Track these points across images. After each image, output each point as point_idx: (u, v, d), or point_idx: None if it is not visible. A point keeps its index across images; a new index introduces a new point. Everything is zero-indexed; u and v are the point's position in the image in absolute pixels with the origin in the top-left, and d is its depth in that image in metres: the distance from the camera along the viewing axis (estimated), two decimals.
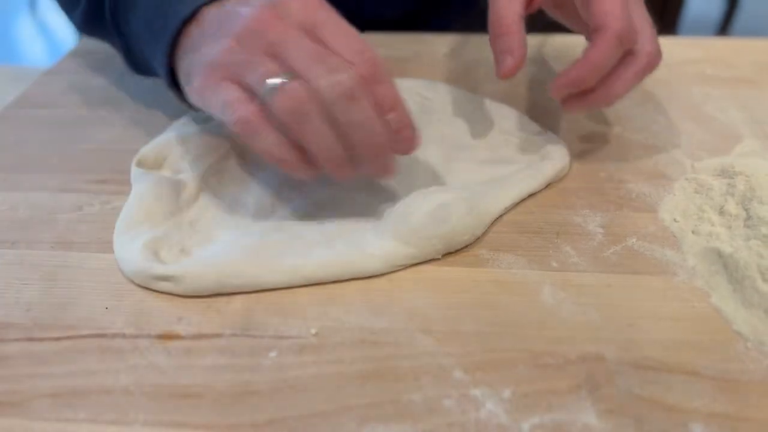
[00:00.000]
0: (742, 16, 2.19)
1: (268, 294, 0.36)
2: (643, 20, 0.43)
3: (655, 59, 0.42)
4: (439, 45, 0.64)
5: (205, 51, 0.37)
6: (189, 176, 0.43)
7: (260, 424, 0.29)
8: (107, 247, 0.39)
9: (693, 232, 0.38)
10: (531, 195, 0.43)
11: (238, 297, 0.35)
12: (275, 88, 0.34)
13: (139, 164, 0.44)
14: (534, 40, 0.63)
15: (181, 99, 0.43)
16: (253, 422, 0.29)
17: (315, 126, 0.35)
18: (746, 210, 0.38)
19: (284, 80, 0.34)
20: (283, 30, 0.35)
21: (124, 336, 0.33)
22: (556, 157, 0.44)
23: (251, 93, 0.35)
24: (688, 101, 0.53)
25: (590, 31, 0.41)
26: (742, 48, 0.62)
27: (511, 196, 0.41)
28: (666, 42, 0.63)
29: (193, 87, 0.38)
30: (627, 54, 0.42)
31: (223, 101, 0.36)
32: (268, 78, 0.34)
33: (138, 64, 0.47)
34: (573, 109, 0.44)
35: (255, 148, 0.36)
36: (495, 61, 0.43)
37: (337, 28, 0.36)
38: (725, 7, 2.16)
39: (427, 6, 0.72)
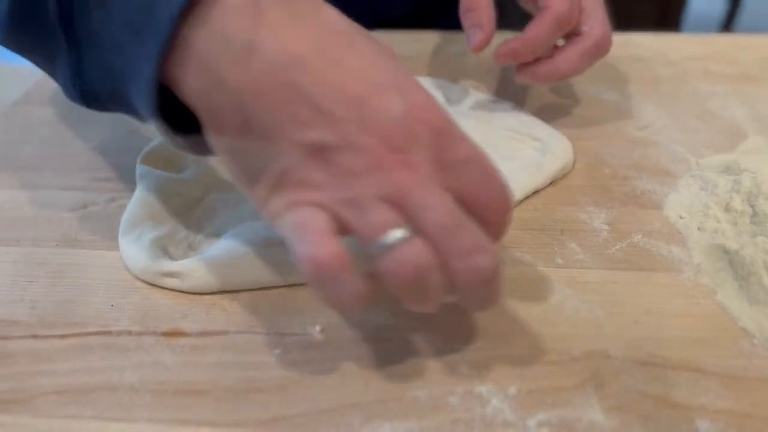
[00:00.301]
0: (745, 15, 2.19)
1: (273, 292, 0.36)
2: (594, 3, 0.46)
3: (603, 41, 0.45)
4: (441, 43, 0.64)
5: (286, 142, 0.27)
6: (195, 174, 0.42)
7: (265, 421, 0.29)
8: (112, 244, 0.39)
9: (698, 228, 0.38)
10: (535, 192, 0.42)
11: (244, 294, 0.35)
12: (391, 246, 0.27)
13: (144, 162, 0.44)
14: None
15: (172, 133, 0.31)
16: (258, 419, 0.29)
17: (427, 295, 0.28)
18: (752, 206, 0.38)
19: (404, 236, 0.27)
20: (413, 176, 0.27)
21: (129, 333, 0.33)
22: (559, 154, 0.44)
23: (339, 224, 0.28)
24: (691, 98, 0.53)
25: (537, 10, 0.45)
26: (746, 44, 0.62)
27: (515, 193, 0.41)
28: (669, 39, 0.63)
29: (255, 194, 0.30)
30: (574, 34, 0.45)
31: (297, 224, 0.28)
32: (382, 231, 0.27)
33: (93, 84, 0.33)
34: (522, 79, 0.47)
35: (316, 293, 0.28)
36: (466, 36, 0.46)
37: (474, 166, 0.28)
38: (727, 5, 2.16)
39: (428, 6, 0.72)
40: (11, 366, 0.32)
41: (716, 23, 2.22)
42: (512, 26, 0.51)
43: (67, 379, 0.31)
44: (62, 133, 0.51)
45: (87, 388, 0.30)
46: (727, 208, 0.38)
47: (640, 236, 0.39)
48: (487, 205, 0.28)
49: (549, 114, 0.51)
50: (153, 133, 0.48)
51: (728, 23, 2.15)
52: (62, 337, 0.33)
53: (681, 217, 0.39)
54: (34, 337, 0.33)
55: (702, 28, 2.23)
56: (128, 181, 0.44)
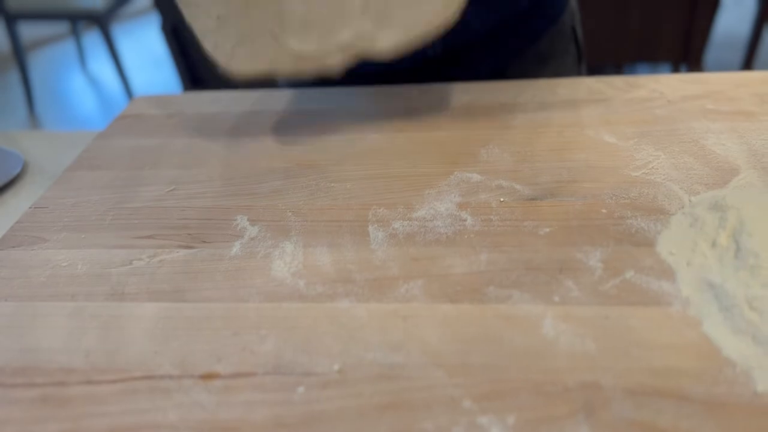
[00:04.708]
0: None
1: (297, 335, 0.40)
2: None
3: None
4: (451, 94, 0.68)
5: None
6: None
7: None
8: (154, 296, 0.43)
9: (687, 264, 0.41)
10: (537, 234, 0.46)
11: (270, 339, 0.39)
12: None
13: None
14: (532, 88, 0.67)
15: None
16: None
17: None
18: (736, 242, 0.40)
19: None
20: None
21: (170, 377, 0.38)
22: None
23: None
24: (688, 136, 0.56)
25: None
26: (744, 81, 0.64)
27: None
28: (668, 79, 0.66)
29: None
30: None
31: None
32: None
33: None
34: None
35: None
36: None
37: None
38: (753, 26, 2.15)
39: (429, 63, 0.74)
40: (69, 409, 0.36)
41: (743, 43, 2.22)
42: None
43: (118, 419, 0.35)
44: (109, 195, 0.56)
45: (135, 427, 0.35)
46: (714, 244, 0.41)
47: (632, 273, 0.42)
48: None
49: (550, 158, 0.54)
50: (188, 193, 0.53)
51: (754, 43, 2.14)
52: (113, 382, 0.38)
53: (672, 254, 0.42)
54: (89, 382, 0.38)
55: (727, 50, 2.24)
56: (167, 238, 0.49)
